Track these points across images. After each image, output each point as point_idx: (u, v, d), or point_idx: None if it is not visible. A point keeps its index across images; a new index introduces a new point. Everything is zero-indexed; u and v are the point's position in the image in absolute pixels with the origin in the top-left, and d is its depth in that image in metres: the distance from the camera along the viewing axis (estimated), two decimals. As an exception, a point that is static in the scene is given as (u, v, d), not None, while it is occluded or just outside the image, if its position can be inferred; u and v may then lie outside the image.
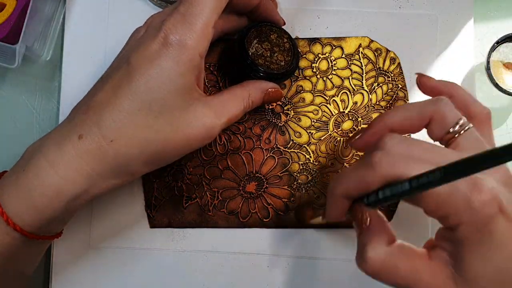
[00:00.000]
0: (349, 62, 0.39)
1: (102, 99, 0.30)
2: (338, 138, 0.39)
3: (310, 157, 0.39)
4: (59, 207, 0.29)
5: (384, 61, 0.39)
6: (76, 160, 0.29)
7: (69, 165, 0.29)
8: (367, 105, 0.39)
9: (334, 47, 0.39)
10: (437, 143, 0.30)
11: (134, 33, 0.33)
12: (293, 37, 0.38)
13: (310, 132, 0.39)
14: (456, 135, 0.29)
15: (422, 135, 0.31)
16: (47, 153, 0.30)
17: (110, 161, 0.29)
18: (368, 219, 0.29)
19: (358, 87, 0.39)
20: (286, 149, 0.39)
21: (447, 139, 0.29)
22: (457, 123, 0.29)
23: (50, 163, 0.29)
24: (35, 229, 0.30)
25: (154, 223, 0.38)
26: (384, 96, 0.39)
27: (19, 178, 0.30)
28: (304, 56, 0.39)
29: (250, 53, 0.35)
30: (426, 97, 0.31)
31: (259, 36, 0.36)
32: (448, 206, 0.25)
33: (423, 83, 0.33)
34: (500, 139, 0.40)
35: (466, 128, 0.28)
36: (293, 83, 0.39)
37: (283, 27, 0.37)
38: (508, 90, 0.38)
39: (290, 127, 0.39)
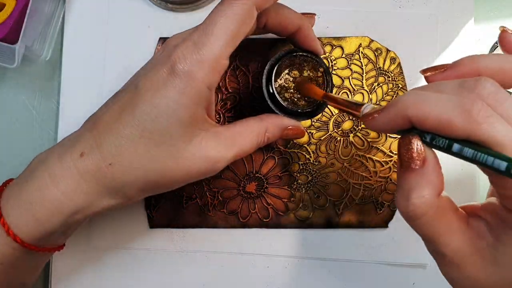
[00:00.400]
0: (349, 62, 0.39)
1: (108, 119, 0.30)
2: (338, 138, 0.39)
3: (310, 157, 0.39)
4: (59, 221, 0.30)
5: (384, 61, 0.39)
6: (76, 177, 0.29)
7: (69, 181, 0.29)
8: (367, 105, 0.39)
9: (334, 47, 0.39)
10: None
11: (156, 52, 0.32)
12: None
13: (310, 132, 0.39)
14: None
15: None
16: (50, 167, 0.30)
17: (107, 183, 0.29)
18: (424, 160, 0.24)
19: (358, 87, 0.39)
20: (286, 149, 0.39)
21: None
22: None
23: (52, 178, 0.29)
24: (36, 241, 0.30)
25: (154, 223, 0.38)
26: (384, 96, 0.39)
27: (22, 189, 0.30)
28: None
29: (277, 85, 0.33)
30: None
31: (291, 66, 0.34)
32: None
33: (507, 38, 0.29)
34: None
35: None
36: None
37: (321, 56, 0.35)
38: (508, 89, 0.38)
39: (290, 127, 0.39)
